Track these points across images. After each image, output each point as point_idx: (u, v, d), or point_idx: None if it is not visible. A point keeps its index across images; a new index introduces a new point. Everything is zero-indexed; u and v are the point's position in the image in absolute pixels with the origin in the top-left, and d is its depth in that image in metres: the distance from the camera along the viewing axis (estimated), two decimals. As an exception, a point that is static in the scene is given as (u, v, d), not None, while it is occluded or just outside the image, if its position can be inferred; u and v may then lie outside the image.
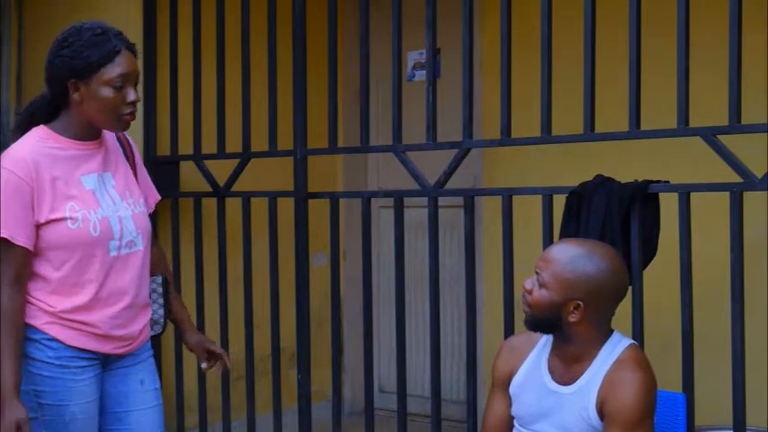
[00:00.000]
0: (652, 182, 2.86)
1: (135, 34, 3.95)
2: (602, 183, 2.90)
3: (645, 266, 2.88)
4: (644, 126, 2.86)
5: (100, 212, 2.49)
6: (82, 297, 2.48)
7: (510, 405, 2.50)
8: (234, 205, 3.75)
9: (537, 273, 2.37)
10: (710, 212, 3.11)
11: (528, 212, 3.44)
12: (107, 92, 2.44)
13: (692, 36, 2.76)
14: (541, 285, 2.34)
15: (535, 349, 2.49)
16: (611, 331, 2.41)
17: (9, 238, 2.39)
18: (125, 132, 2.68)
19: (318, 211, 3.76)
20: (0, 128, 4.16)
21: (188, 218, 3.85)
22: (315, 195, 3.56)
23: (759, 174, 2.64)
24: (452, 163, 3.18)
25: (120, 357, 2.59)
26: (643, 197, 2.84)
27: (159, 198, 2.84)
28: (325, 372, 3.65)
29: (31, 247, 2.43)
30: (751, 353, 2.75)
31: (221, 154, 3.74)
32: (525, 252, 3.12)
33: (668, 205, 2.85)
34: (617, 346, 2.37)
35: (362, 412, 3.47)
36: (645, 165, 3.30)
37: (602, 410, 2.31)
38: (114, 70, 2.43)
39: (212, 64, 3.74)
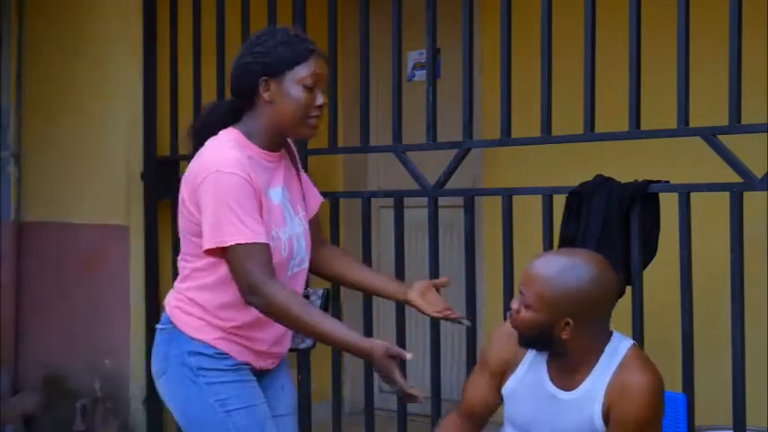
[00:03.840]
0: (652, 182, 2.86)
1: (135, 34, 3.95)
2: (602, 183, 2.91)
3: (645, 266, 2.88)
4: (644, 126, 2.86)
5: (287, 231, 2.40)
6: (253, 313, 2.34)
7: (495, 391, 2.39)
8: (234, 205, 3.74)
9: (521, 293, 2.26)
10: (710, 212, 3.11)
11: (528, 212, 3.44)
12: (298, 91, 2.35)
13: (691, 36, 2.77)
14: (527, 306, 2.23)
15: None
16: (611, 333, 2.30)
17: (254, 242, 2.26)
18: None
19: (319, 211, 3.75)
20: (0, 128, 4.16)
21: (188, 218, 3.84)
22: (315, 195, 3.55)
23: (759, 174, 2.64)
24: (452, 163, 3.18)
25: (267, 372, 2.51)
26: (643, 197, 2.84)
27: (322, 200, 2.67)
28: (326, 372, 3.64)
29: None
30: (751, 353, 2.75)
31: (221, 154, 3.73)
32: (525, 252, 3.10)
33: (668, 205, 2.85)
34: (618, 348, 2.26)
35: (362, 412, 3.47)
36: (645, 165, 3.29)
37: (608, 415, 2.21)
38: (307, 69, 2.35)
39: (212, 64, 3.74)
